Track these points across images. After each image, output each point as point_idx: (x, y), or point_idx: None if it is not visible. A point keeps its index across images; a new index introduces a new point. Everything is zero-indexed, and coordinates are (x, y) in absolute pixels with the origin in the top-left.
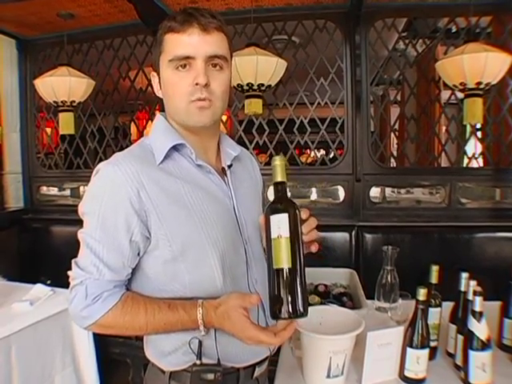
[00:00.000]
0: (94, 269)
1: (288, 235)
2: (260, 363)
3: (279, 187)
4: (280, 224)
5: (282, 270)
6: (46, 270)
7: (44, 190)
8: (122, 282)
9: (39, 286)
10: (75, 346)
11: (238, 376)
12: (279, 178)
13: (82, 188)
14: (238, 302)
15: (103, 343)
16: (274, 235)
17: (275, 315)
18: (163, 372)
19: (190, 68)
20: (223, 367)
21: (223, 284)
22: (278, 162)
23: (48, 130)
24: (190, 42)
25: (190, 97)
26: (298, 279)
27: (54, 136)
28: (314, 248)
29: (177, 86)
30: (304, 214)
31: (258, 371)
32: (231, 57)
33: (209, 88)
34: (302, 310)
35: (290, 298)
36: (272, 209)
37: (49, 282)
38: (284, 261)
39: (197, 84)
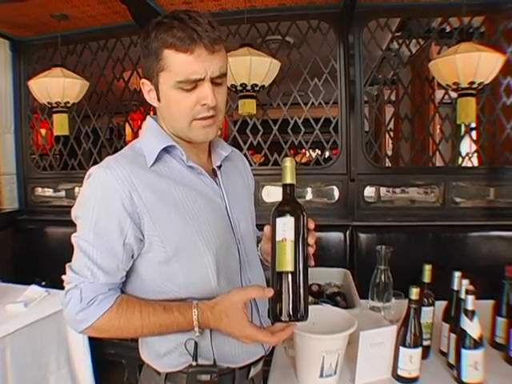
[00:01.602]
0: (88, 272)
1: (293, 238)
2: (255, 363)
3: (287, 189)
4: (285, 227)
5: (285, 273)
6: (41, 271)
7: (39, 191)
8: (116, 285)
9: (34, 287)
10: (70, 346)
11: (233, 376)
12: (288, 179)
13: (76, 189)
14: (240, 296)
15: (98, 344)
16: (278, 238)
17: (275, 317)
18: (159, 373)
19: (196, 87)
20: (219, 368)
21: (217, 284)
22: (288, 163)
23: (42, 131)
24: (198, 64)
25: (195, 115)
26: (301, 283)
27: (49, 137)
28: (311, 250)
29: (181, 105)
30: (311, 224)
31: (253, 371)
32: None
33: (214, 106)
34: (302, 313)
35: (291, 302)
36: (279, 211)
37: (43, 283)
38: (287, 264)
39: (204, 104)
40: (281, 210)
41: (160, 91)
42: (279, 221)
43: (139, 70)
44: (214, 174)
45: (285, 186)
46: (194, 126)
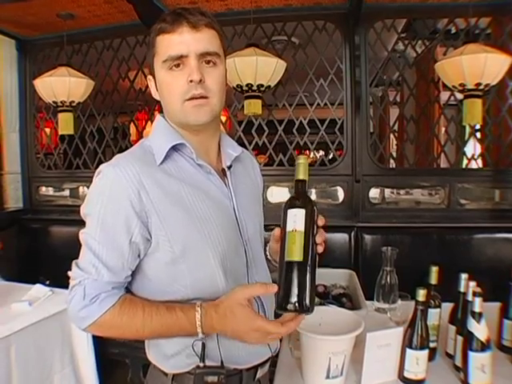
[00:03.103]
0: (92, 269)
1: (303, 230)
2: (262, 364)
3: (300, 184)
4: (296, 218)
5: (293, 262)
6: (45, 270)
7: (43, 190)
8: (120, 284)
9: (38, 287)
10: (74, 345)
11: (240, 378)
12: (301, 175)
13: (81, 188)
14: (246, 293)
15: (102, 343)
16: (289, 228)
17: (281, 307)
18: (166, 374)
19: (184, 67)
20: (226, 369)
21: (225, 285)
22: (302, 160)
23: (47, 130)
24: (181, 41)
25: (184, 95)
26: (308, 274)
27: (54, 136)
28: (320, 248)
29: (171, 86)
30: (320, 222)
31: (260, 372)
32: (225, 52)
33: (204, 84)
34: (308, 305)
35: (298, 292)
36: (290, 203)
37: (48, 282)
38: (296, 254)
39: (191, 81)
40: (293, 202)
41: (156, 80)
42: (290, 212)
43: (145, 70)
44: (223, 173)
45: (297, 181)
46: (186, 107)
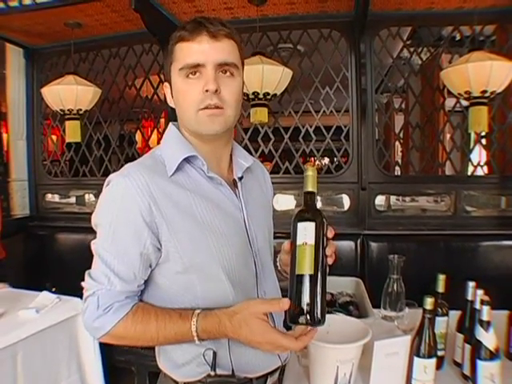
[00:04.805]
0: (105, 279)
1: (313, 243)
2: (272, 373)
3: (308, 197)
4: (306, 231)
5: (304, 276)
6: (52, 277)
7: (49, 197)
8: (133, 293)
9: (45, 294)
10: (81, 353)
11: None
12: (310, 187)
13: (87, 196)
14: (263, 308)
15: (109, 351)
16: (299, 242)
17: (293, 320)
18: (176, 383)
19: (201, 75)
20: (237, 378)
21: (235, 295)
22: (311, 172)
23: (54, 137)
24: (199, 50)
25: (199, 104)
26: (319, 287)
27: (60, 144)
28: (330, 260)
29: (187, 94)
30: (330, 234)
31: (270, 381)
32: (243, 64)
33: (219, 95)
34: (319, 317)
35: (309, 305)
36: (300, 216)
37: (54, 289)
38: (307, 267)
39: (207, 91)
40: (302, 215)
41: (172, 86)
42: (300, 225)
43: (151, 78)
44: (234, 184)
45: (306, 193)
46: (200, 116)
